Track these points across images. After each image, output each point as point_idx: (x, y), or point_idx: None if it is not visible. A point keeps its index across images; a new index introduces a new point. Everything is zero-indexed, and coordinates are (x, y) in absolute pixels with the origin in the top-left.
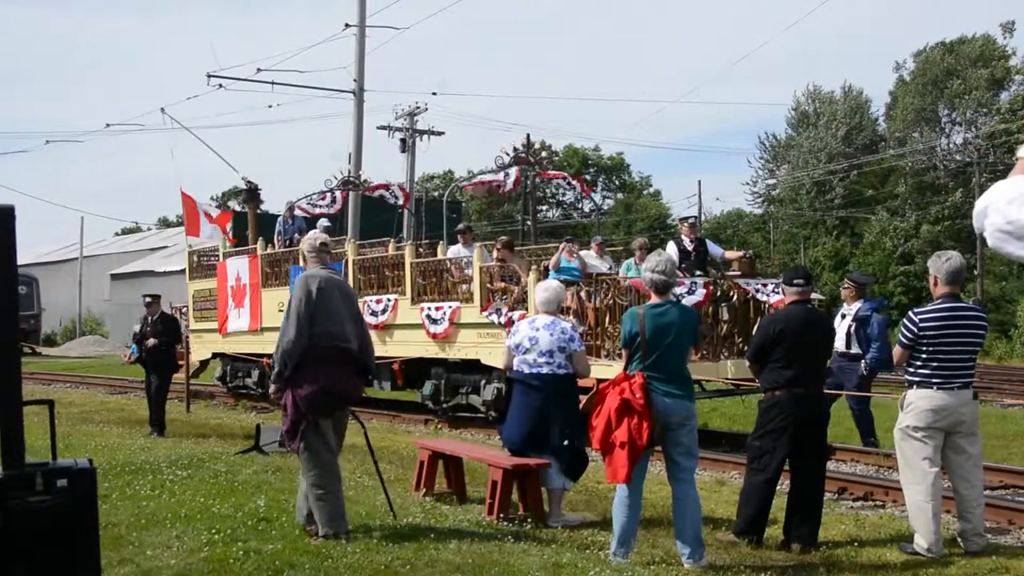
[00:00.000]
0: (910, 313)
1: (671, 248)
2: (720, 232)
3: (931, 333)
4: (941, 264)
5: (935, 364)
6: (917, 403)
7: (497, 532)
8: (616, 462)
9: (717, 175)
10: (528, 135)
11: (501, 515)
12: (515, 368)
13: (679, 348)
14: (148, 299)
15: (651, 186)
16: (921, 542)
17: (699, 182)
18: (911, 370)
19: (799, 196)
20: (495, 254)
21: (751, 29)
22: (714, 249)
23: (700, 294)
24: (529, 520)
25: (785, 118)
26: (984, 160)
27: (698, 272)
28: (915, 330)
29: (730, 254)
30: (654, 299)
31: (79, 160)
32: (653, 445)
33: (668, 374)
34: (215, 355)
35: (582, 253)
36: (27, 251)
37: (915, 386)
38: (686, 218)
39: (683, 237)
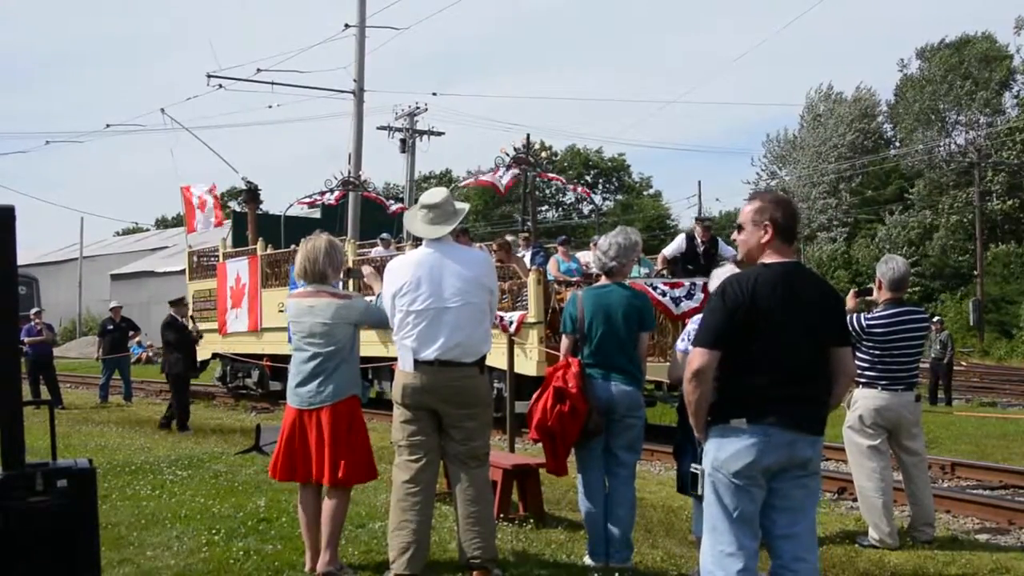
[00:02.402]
0: (862, 317)
1: (679, 241)
2: (719, 233)
3: (878, 336)
4: (886, 271)
5: (881, 366)
6: (862, 402)
7: (497, 532)
8: (550, 452)
9: (717, 175)
10: (528, 135)
11: (501, 515)
12: None
13: (622, 332)
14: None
15: (651, 187)
16: (875, 535)
17: (699, 182)
18: (858, 371)
19: (811, 196)
20: (492, 256)
21: (751, 28)
22: (725, 250)
23: (698, 299)
24: (529, 520)
25: (798, 117)
26: (986, 160)
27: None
28: (858, 330)
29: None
30: (602, 280)
31: (79, 160)
32: (592, 436)
33: (610, 360)
34: (215, 355)
35: (579, 254)
36: (27, 251)
37: (861, 386)
38: (701, 219)
39: (696, 237)
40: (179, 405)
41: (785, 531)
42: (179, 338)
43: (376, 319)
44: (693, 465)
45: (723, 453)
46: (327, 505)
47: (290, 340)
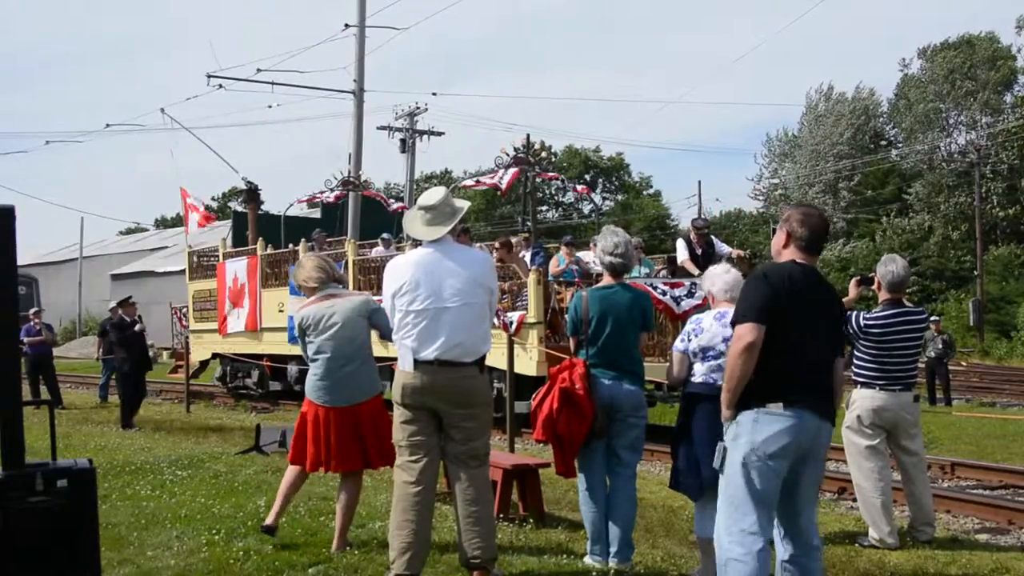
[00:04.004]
0: (860, 317)
1: (681, 246)
2: (719, 232)
3: (876, 336)
4: (885, 272)
5: (879, 366)
6: (860, 402)
7: (497, 532)
8: (558, 454)
9: (717, 175)
10: (528, 135)
11: (501, 515)
12: (701, 380)
13: (627, 333)
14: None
15: (651, 186)
16: (874, 534)
17: (699, 182)
18: (856, 370)
19: (807, 195)
20: (494, 255)
21: (751, 28)
22: (721, 248)
23: (699, 297)
24: (529, 520)
25: (799, 117)
26: (987, 160)
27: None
28: (855, 329)
29: (736, 252)
30: (605, 281)
31: (79, 160)
32: (597, 436)
33: (615, 361)
34: (215, 355)
35: (580, 254)
36: (27, 251)
37: (859, 386)
38: (697, 226)
39: (693, 241)
40: (124, 401)
41: (801, 518)
42: (121, 337)
43: (385, 324)
44: (719, 444)
45: (760, 435)
46: (350, 494)
47: (291, 340)
